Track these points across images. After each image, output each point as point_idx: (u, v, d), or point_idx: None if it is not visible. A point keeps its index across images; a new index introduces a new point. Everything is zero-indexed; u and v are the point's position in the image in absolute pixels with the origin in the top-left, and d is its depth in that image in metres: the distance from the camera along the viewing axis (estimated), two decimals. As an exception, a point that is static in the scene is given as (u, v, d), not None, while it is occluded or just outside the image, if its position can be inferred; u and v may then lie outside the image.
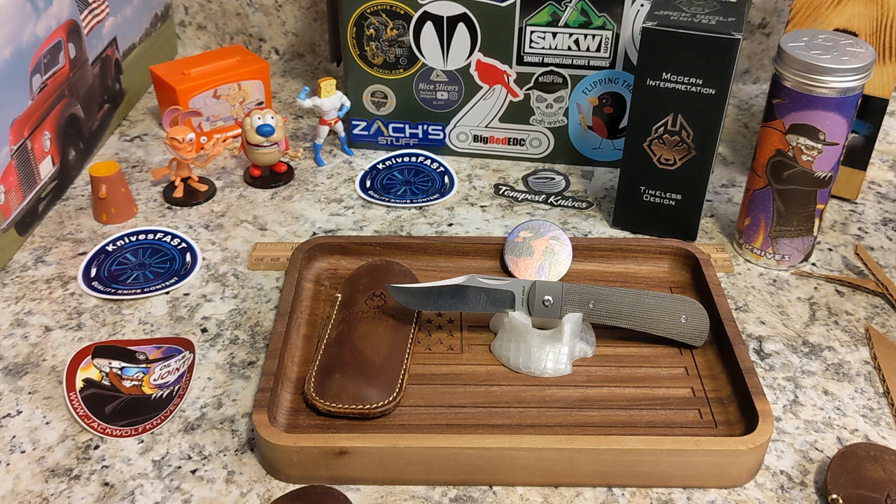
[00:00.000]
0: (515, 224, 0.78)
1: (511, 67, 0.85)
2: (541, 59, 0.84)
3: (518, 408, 0.59)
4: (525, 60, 0.85)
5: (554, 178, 0.88)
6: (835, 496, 0.53)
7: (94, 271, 0.74)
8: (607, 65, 0.84)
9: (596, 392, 0.61)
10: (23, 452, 0.57)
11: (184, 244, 0.77)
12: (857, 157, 0.82)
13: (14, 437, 0.58)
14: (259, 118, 0.83)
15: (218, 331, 0.68)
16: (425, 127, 0.91)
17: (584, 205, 0.84)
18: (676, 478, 0.55)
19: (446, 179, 0.87)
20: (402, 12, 0.84)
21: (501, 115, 0.88)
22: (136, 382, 0.62)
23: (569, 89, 0.86)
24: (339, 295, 0.67)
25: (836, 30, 0.77)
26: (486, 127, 0.89)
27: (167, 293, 0.72)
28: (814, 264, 0.76)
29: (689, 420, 0.59)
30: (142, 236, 0.78)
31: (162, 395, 0.61)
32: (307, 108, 0.87)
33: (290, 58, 1.15)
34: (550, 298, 0.62)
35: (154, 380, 0.62)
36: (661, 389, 0.61)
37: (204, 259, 0.76)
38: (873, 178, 0.89)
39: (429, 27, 0.84)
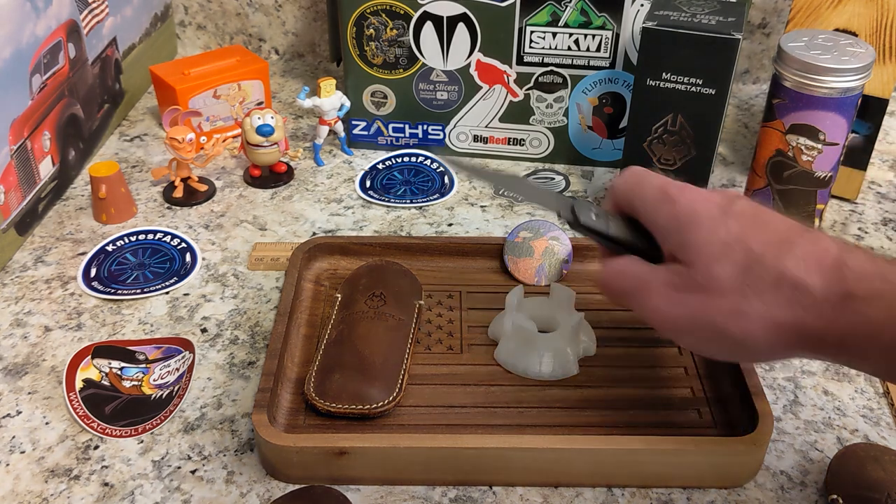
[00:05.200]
0: (515, 224, 0.78)
1: (511, 67, 0.85)
2: (541, 59, 0.84)
3: (518, 408, 0.59)
4: (525, 60, 0.85)
5: (554, 178, 0.88)
6: (835, 496, 0.53)
7: (93, 271, 0.74)
8: (607, 65, 0.84)
9: (596, 392, 0.61)
10: (23, 452, 0.57)
11: (184, 244, 0.77)
12: (857, 157, 0.82)
13: (14, 437, 0.58)
14: (259, 118, 0.83)
15: (218, 331, 0.68)
16: (425, 127, 0.91)
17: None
18: (676, 478, 0.55)
19: (446, 179, 0.87)
20: (402, 12, 0.84)
21: (501, 115, 0.88)
22: (135, 382, 0.62)
23: (569, 89, 0.86)
24: (339, 295, 0.67)
25: (836, 30, 0.77)
26: (486, 127, 0.89)
27: (167, 293, 0.72)
28: (814, 264, 0.76)
29: (689, 420, 0.59)
30: (142, 236, 0.78)
31: (162, 395, 0.61)
32: (307, 108, 0.87)
33: (290, 58, 1.15)
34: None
35: (154, 380, 0.62)
36: (661, 389, 0.61)
37: (204, 259, 0.76)
38: (873, 178, 0.89)
39: (429, 27, 0.84)
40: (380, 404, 0.58)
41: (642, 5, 0.80)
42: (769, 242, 0.46)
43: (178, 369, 0.63)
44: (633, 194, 0.53)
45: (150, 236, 0.78)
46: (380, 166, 0.90)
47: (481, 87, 0.87)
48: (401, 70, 0.87)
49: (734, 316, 0.46)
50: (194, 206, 0.83)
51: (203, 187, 0.85)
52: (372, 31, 0.85)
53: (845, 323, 0.43)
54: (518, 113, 0.88)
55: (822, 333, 0.44)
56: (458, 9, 0.83)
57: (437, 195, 0.85)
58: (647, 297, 0.50)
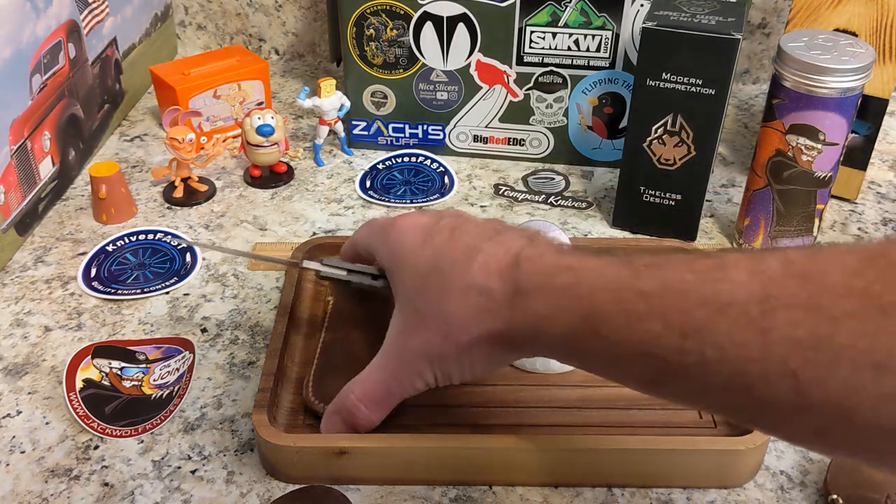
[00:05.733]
0: (515, 224, 0.78)
1: (511, 67, 0.85)
2: (541, 59, 0.84)
3: (518, 408, 0.59)
4: (525, 60, 0.85)
5: (554, 178, 0.88)
6: (835, 496, 0.53)
7: (94, 271, 0.74)
8: (607, 65, 0.84)
9: (595, 392, 0.61)
10: (23, 452, 0.57)
11: (184, 244, 0.77)
12: (857, 157, 0.82)
13: (14, 437, 0.58)
14: (259, 118, 0.83)
15: (218, 331, 0.68)
16: (425, 127, 0.91)
17: (583, 205, 0.84)
18: (676, 478, 0.55)
19: (446, 179, 0.87)
20: (402, 12, 0.84)
21: (501, 115, 0.88)
22: (135, 382, 0.62)
23: (569, 89, 0.86)
24: (331, 298, 0.67)
25: (836, 30, 0.77)
26: (486, 127, 0.89)
27: (167, 293, 0.72)
28: (814, 264, 0.76)
29: (688, 420, 0.58)
30: (142, 236, 0.78)
31: (162, 395, 0.61)
32: (307, 108, 0.87)
33: (290, 58, 1.15)
34: None
35: (154, 380, 0.62)
36: (660, 389, 0.61)
37: (204, 259, 0.76)
38: (873, 178, 0.89)
39: (429, 27, 0.84)
40: None
41: (642, 5, 0.80)
42: (459, 256, 0.47)
43: (178, 369, 0.63)
44: (367, 237, 0.56)
45: (151, 236, 0.78)
46: (380, 166, 0.90)
47: (481, 88, 0.87)
48: (401, 70, 0.87)
49: (448, 344, 0.47)
50: (194, 206, 0.83)
51: (203, 187, 0.85)
52: (372, 31, 0.85)
53: (518, 320, 0.45)
54: (518, 113, 0.88)
55: (507, 334, 0.45)
56: (458, 9, 0.83)
57: (437, 195, 0.85)
58: (400, 383, 0.52)
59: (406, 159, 0.91)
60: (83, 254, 0.76)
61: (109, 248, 0.77)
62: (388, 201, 0.84)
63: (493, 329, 0.46)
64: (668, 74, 0.70)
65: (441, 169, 0.89)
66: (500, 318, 0.45)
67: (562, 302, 0.43)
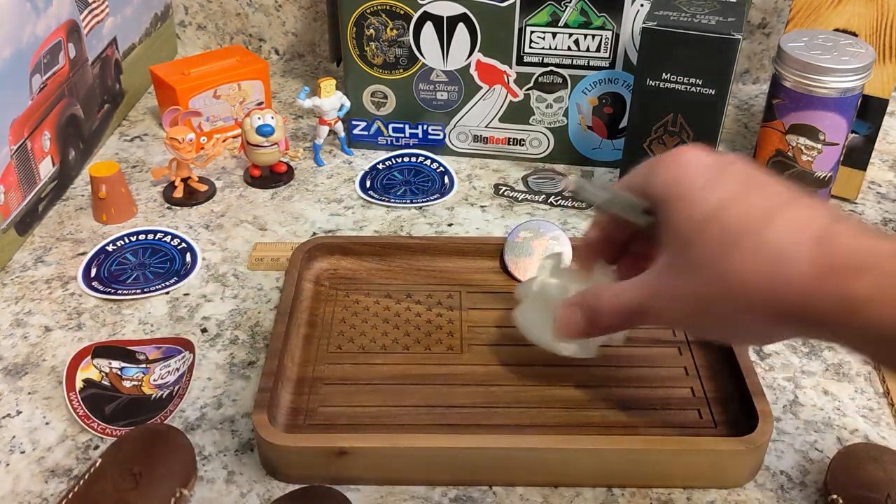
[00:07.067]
0: (515, 224, 0.78)
1: (511, 67, 0.85)
2: (541, 59, 0.84)
3: (518, 408, 0.59)
4: (525, 60, 0.85)
5: (554, 178, 0.88)
6: (835, 496, 0.53)
7: (94, 271, 0.74)
8: (607, 65, 0.84)
9: (596, 392, 0.61)
10: (23, 453, 0.57)
11: (184, 244, 0.77)
12: (857, 157, 0.82)
13: (14, 437, 0.58)
14: (259, 118, 0.83)
15: (218, 331, 0.68)
16: (425, 127, 0.91)
17: (584, 205, 0.84)
18: (676, 478, 0.55)
19: (446, 179, 0.87)
20: (402, 12, 0.84)
21: (501, 115, 0.88)
22: (135, 382, 0.62)
23: (569, 89, 0.86)
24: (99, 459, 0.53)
25: (836, 30, 0.77)
26: (486, 127, 0.89)
27: (167, 293, 0.72)
28: (814, 264, 0.76)
29: (688, 420, 0.59)
30: (142, 236, 0.78)
31: (162, 395, 0.61)
32: (307, 108, 0.87)
33: (290, 58, 1.15)
34: None
35: (154, 380, 0.62)
36: (660, 389, 0.61)
37: (204, 259, 0.76)
38: (873, 178, 0.89)
39: (429, 27, 0.84)
40: None
41: (642, 5, 0.80)
42: (751, 213, 0.43)
43: (178, 369, 0.63)
44: (641, 168, 0.50)
45: (151, 236, 0.78)
46: (380, 166, 0.90)
47: (481, 88, 0.87)
48: (401, 70, 0.87)
49: (721, 303, 0.43)
50: (194, 206, 0.83)
51: (203, 187, 0.85)
52: (372, 31, 0.85)
53: (823, 298, 0.40)
54: (518, 113, 0.88)
55: (801, 310, 0.41)
56: (458, 9, 0.83)
57: (437, 195, 0.85)
58: (646, 311, 0.47)
59: (406, 159, 0.91)
60: (83, 254, 0.76)
61: (109, 248, 0.77)
62: (388, 201, 0.84)
63: (784, 300, 0.41)
64: (668, 74, 0.71)
65: (441, 169, 0.89)
66: (798, 289, 0.40)
67: (894, 289, 0.38)
